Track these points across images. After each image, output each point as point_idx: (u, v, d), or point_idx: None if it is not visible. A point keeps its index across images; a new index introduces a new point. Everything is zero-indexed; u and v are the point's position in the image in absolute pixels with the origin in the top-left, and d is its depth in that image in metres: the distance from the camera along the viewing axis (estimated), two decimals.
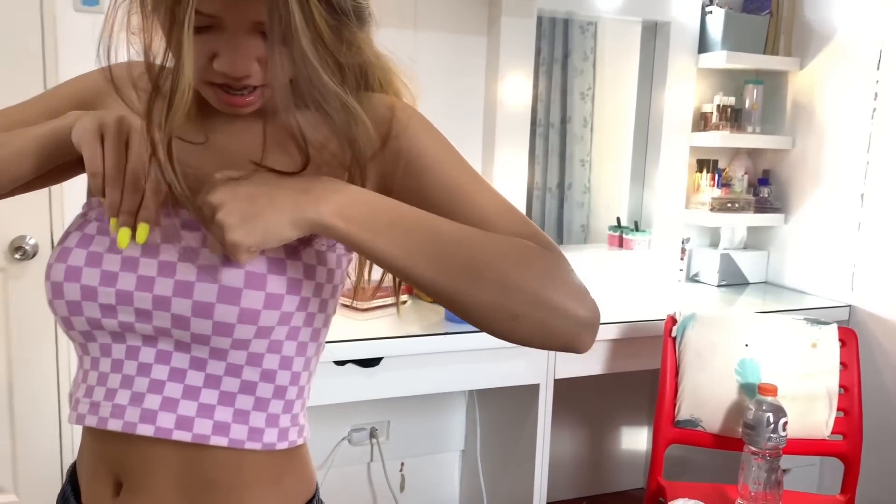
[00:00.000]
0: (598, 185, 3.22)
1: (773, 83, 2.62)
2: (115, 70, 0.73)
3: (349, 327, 1.92)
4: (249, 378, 0.72)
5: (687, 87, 2.55)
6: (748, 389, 1.82)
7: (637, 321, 2.07)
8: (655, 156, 2.59)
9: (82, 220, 0.75)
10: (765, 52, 2.55)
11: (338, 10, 0.66)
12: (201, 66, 0.68)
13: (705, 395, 1.85)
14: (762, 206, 2.61)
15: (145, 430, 0.70)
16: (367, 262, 0.79)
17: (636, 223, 2.63)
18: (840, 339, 1.88)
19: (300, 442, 0.77)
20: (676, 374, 1.87)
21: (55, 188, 1.97)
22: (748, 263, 2.65)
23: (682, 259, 2.65)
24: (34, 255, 1.96)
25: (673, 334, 1.89)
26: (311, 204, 0.65)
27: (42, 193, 1.96)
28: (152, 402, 0.70)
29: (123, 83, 0.74)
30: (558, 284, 0.68)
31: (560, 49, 3.16)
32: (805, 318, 1.90)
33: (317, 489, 0.82)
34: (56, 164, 0.77)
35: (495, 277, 0.66)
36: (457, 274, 0.66)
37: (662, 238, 2.61)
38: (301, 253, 0.72)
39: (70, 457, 2.07)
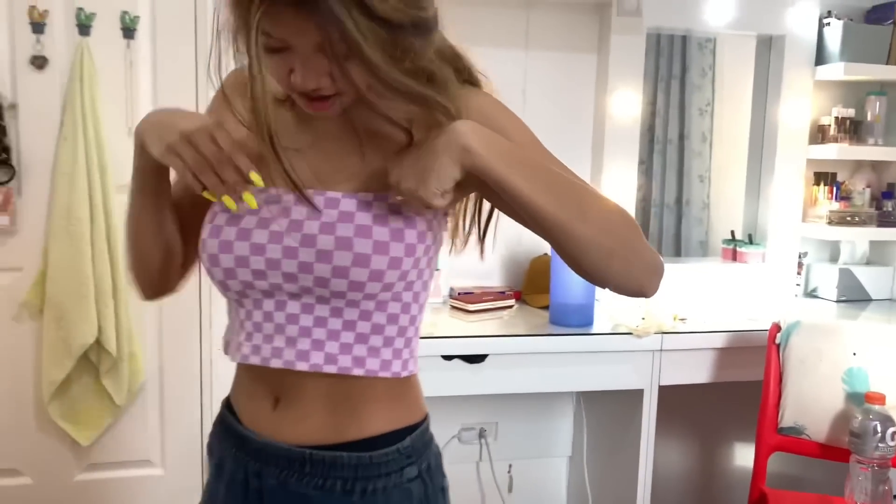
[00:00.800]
0: (716, 200, 3.21)
1: None
2: (226, 81, 0.90)
3: (457, 326, 2.05)
4: (378, 321, 0.90)
5: (803, 99, 2.53)
6: (855, 398, 1.79)
7: (744, 331, 2.08)
8: (770, 169, 2.57)
9: (223, 206, 0.90)
10: (889, 63, 2.49)
11: (392, 24, 0.77)
12: (284, 80, 0.82)
13: (810, 402, 1.83)
14: (886, 220, 2.53)
15: (302, 366, 0.88)
16: (465, 214, 0.97)
17: (750, 236, 2.62)
18: None
19: (416, 370, 0.96)
20: (780, 380, 1.87)
21: None
22: (871, 279, 2.57)
23: (798, 273, 2.61)
24: None
25: (777, 341, 1.89)
26: (462, 142, 0.80)
27: None
28: (304, 343, 0.88)
29: (233, 91, 0.92)
30: (639, 236, 0.86)
31: (678, 65, 3.20)
32: None
33: (427, 416, 0.99)
34: (165, 194, 0.96)
35: (599, 217, 0.83)
36: (569, 209, 0.82)
37: (778, 251, 2.58)
38: (406, 232, 0.88)
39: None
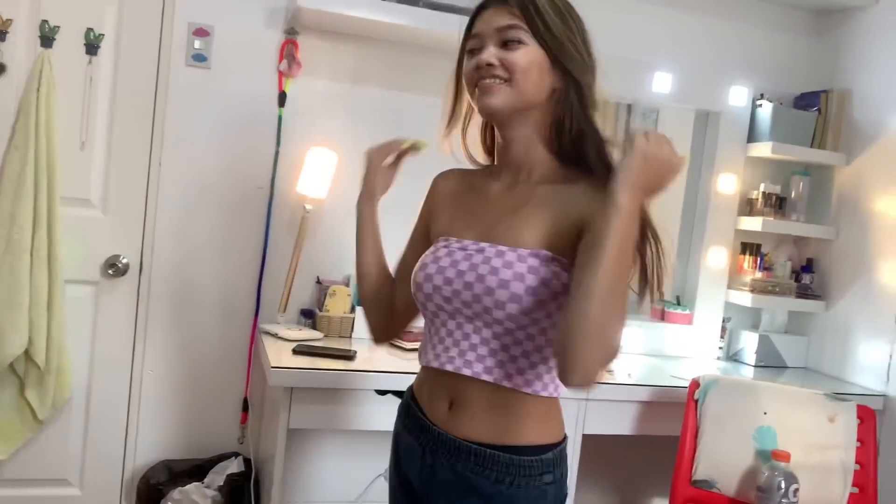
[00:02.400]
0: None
1: (819, 176, 2.73)
2: (436, 180, 1.37)
3: (392, 362, 2.09)
4: (525, 348, 1.15)
5: (734, 173, 2.69)
6: (763, 455, 1.88)
7: (667, 386, 2.17)
8: (701, 236, 2.71)
9: (435, 249, 1.23)
10: (812, 146, 2.68)
11: (571, 28, 1.17)
12: (470, 73, 1.17)
13: (722, 457, 1.92)
14: (804, 293, 2.68)
15: (466, 372, 1.16)
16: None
17: (678, 298, 2.74)
18: (858, 417, 1.94)
19: (556, 395, 1.19)
20: (696, 435, 1.96)
21: (150, 216, 2.24)
22: (787, 347, 2.71)
23: (722, 337, 2.73)
24: (125, 273, 2.23)
25: (696, 397, 1.98)
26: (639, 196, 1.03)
27: (138, 219, 2.23)
28: (471, 356, 1.17)
29: (439, 189, 1.35)
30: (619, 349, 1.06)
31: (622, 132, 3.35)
32: (824, 393, 1.97)
33: (566, 438, 1.22)
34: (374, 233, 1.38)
35: (616, 317, 1.01)
36: (613, 292, 1.00)
37: (704, 315, 2.70)
38: (553, 282, 1.12)
39: (132, 459, 2.28)
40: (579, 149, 1.16)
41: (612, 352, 1.01)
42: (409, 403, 1.29)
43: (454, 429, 1.18)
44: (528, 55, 1.13)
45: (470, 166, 1.33)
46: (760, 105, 2.67)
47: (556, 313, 1.13)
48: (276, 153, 2.32)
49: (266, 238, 2.33)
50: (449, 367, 1.17)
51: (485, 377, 1.15)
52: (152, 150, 2.23)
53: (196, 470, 2.23)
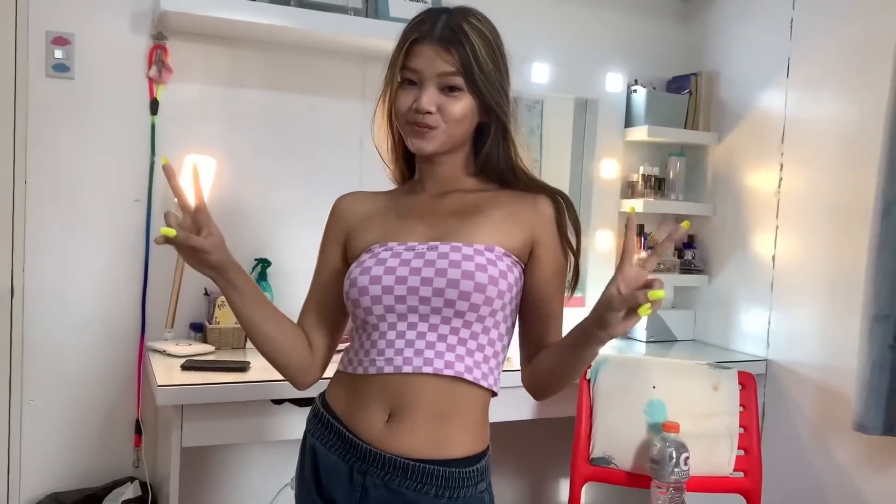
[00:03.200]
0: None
1: (694, 155, 2.86)
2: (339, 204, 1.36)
3: None
4: (481, 342, 1.19)
5: (615, 157, 2.78)
6: (655, 428, 1.96)
7: None
8: (587, 220, 2.79)
9: (372, 254, 1.22)
10: (686, 128, 2.79)
11: (505, 80, 1.25)
12: (406, 107, 1.20)
13: (616, 433, 1.99)
14: (687, 268, 2.80)
15: (428, 369, 1.16)
16: None
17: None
18: (740, 383, 2.04)
19: (497, 392, 1.24)
20: (591, 414, 2.01)
21: (18, 238, 2.12)
22: (676, 322, 2.83)
23: None
24: None
25: (588, 377, 2.04)
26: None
27: (5, 240, 2.11)
28: (429, 353, 1.16)
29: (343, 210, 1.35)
30: None
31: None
32: (707, 363, 2.06)
33: (489, 444, 1.25)
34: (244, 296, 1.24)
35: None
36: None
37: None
38: (508, 274, 1.20)
39: (17, 497, 2.15)
40: (505, 175, 1.28)
41: None
42: (326, 416, 1.25)
43: (389, 444, 1.17)
44: (465, 106, 1.20)
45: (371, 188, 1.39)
46: (635, 90, 2.76)
47: (508, 307, 1.20)
48: (152, 163, 2.23)
49: (147, 252, 2.24)
50: (407, 369, 1.16)
51: (447, 372, 1.15)
52: (15, 169, 2.10)
53: (88, 500, 2.12)
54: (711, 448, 1.98)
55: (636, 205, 2.73)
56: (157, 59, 2.21)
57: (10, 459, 2.15)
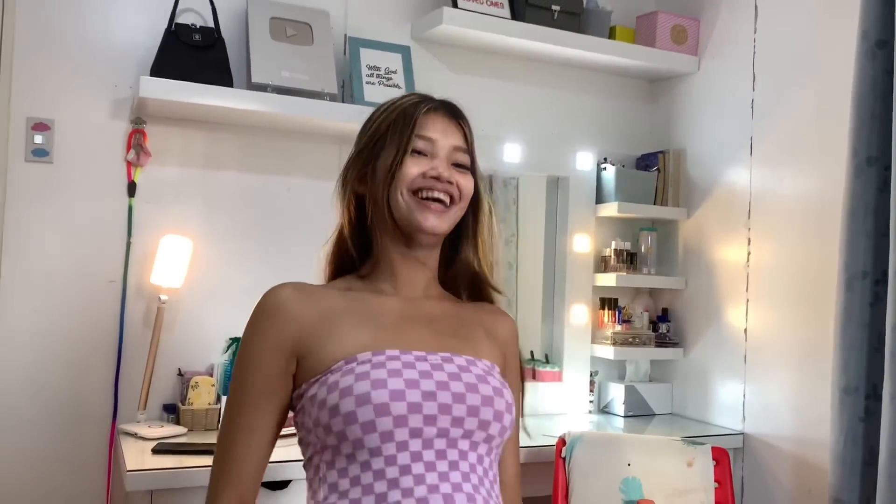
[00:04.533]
0: (522, 323, 3.42)
1: (665, 230, 2.92)
2: (278, 296, 1.09)
3: None
4: (494, 470, 1.05)
5: (587, 233, 2.83)
6: None
7: (537, 446, 2.21)
8: (562, 294, 2.82)
9: (373, 366, 0.99)
10: (655, 203, 2.86)
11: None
12: (417, 177, 1.07)
13: None
14: (662, 341, 2.82)
15: (479, 500, 0.96)
16: None
17: (546, 356, 2.82)
18: (714, 458, 2.04)
19: None
20: (567, 493, 2.00)
21: None
22: (653, 395, 2.83)
23: (591, 391, 2.82)
24: None
25: (563, 455, 2.03)
26: None
27: None
28: (467, 487, 0.96)
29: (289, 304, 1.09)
30: None
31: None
32: (682, 439, 2.07)
33: None
34: None
35: None
36: None
37: (572, 370, 2.79)
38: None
39: None
40: (473, 281, 1.18)
41: None
42: None
43: None
44: (471, 185, 1.13)
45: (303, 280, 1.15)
46: (605, 168, 2.84)
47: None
48: (128, 245, 2.25)
49: (121, 333, 2.23)
50: (459, 499, 0.93)
51: (492, 503, 0.99)
52: None
53: None
54: None
55: (608, 279, 2.77)
56: (136, 143, 2.25)
57: None
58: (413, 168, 1.07)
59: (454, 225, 1.12)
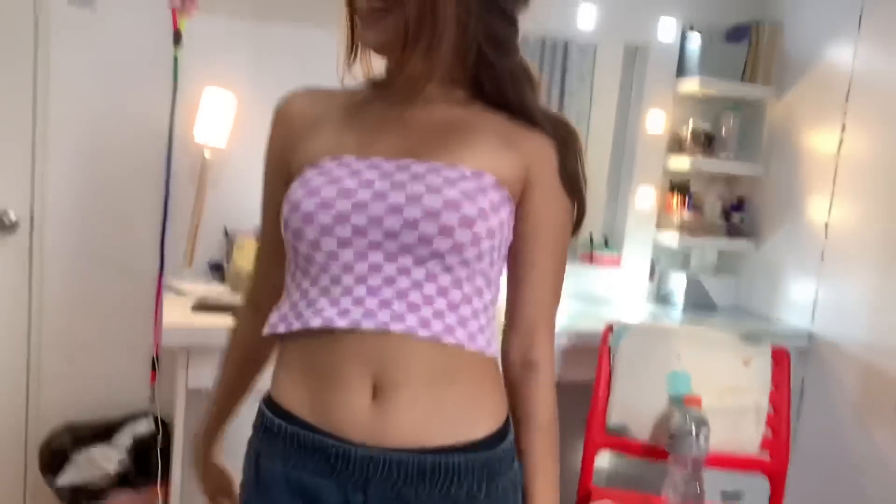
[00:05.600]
0: (593, 202, 3.27)
1: (750, 111, 2.66)
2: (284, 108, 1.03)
3: None
4: (467, 291, 0.90)
5: (663, 109, 2.60)
6: (676, 400, 1.85)
7: (585, 333, 2.11)
8: (629, 176, 2.64)
9: (321, 170, 0.92)
10: (743, 81, 2.59)
11: None
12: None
13: (636, 403, 1.88)
14: (733, 232, 2.64)
15: (396, 327, 0.86)
16: None
17: (606, 239, 2.68)
18: (773, 359, 1.91)
19: (497, 355, 0.96)
20: (610, 381, 1.91)
21: (39, 166, 2.10)
22: (717, 288, 2.68)
23: (651, 280, 2.68)
24: (14, 229, 2.09)
25: (609, 343, 1.93)
26: None
27: (25, 171, 2.09)
28: (400, 306, 0.87)
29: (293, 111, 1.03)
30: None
31: (558, 71, 3.23)
32: (740, 335, 1.93)
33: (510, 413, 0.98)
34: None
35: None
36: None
37: (632, 257, 2.65)
38: (502, 208, 0.93)
39: (35, 424, 2.18)
40: (492, 84, 0.98)
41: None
42: (282, 426, 0.91)
43: (386, 434, 0.86)
44: None
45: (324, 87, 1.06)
46: (689, 37, 2.57)
47: (496, 251, 0.92)
48: (174, 96, 2.17)
49: (167, 187, 2.20)
50: (368, 325, 0.86)
51: (423, 332, 0.87)
52: (36, 99, 2.07)
53: (103, 431, 2.14)
54: (736, 425, 1.87)
55: (682, 162, 2.56)
56: None
57: (28, 389, 2.17)
58: None
59: (399, 29, 0.91)
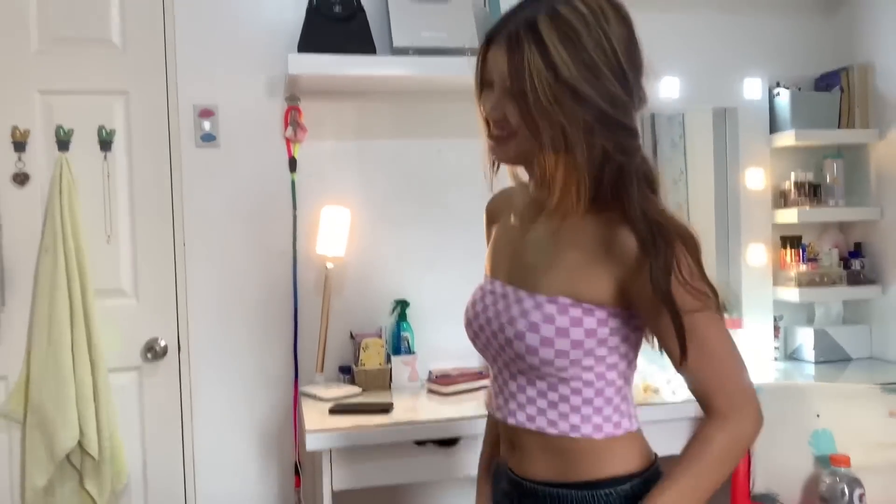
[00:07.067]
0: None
1: (853, 156, 2.62)
2: (488, 206, 1.35)
3: (431, 410, 2.07)
4: (563, 392, 1.10)
5: (761, 166, 2.60)
6: (823, 461, 1.79)
7: None
8: (737, 234, 2.62)
9: (477, 289, 1.23)
10: (840, 127, 2.57)
11: (560, 76, 1.03)
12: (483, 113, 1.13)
13: (779, 467, 1.83)
14: (855, 279, 2.56)
15: (511, 421, 1.14)
16: None
17: (723, 303, 2.64)
18: None
19: (617, 433, 1.11)
20: (749, 450, 1.87)
21: (182, 297, 2.30)
22: (848, 338, 2.58)
23: (776, 337, 2.62)
24: (164, 355, 2.28)
25: None
26: None
27: (170, 300, 2.29)
28: (512, 404, 1.15)
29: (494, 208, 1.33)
30: (748, 444, 1.14)
31: (649, 139, 3.29)
32: (880, 385, 1.86)
33: (651, 467, 1.13)
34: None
35: (733, 461, 1.09)
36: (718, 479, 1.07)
37: (753, 316, 2.60)
38: (572, 330, 1.08)
39: None
40: (612, 184, 1.06)
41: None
42: (497, 463, 1.28)
43: (521, 469, 1.17)
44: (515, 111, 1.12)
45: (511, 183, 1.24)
46: (778, 94, 2.58)
47: (591, 356, 1.07)
48: (294, 217, 2.36)
49: (295, 301, 2.36)
50: (498, 416, 1.17)
51: (528, 425, 1.12)
52: (175, 233, 2.29)
53: None
54: (893, 482, 1.78)
55: (789, 215, 2.54)
56: (293, 119, 2.34)
57: (186, 501, 2.31)
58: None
59: (525, 150, 1.07)
